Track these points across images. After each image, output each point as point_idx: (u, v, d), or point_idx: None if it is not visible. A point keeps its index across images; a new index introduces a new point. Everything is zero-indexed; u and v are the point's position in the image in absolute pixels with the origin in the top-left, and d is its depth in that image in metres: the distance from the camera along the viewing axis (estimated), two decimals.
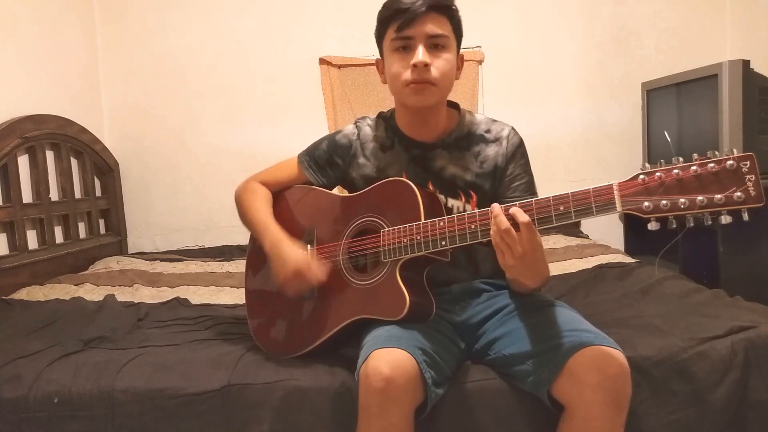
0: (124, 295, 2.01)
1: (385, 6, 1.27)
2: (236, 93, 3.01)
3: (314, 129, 2.74)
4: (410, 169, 1.34)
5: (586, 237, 2.76)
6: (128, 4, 2.98)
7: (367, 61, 2.91)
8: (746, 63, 2.23)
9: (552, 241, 2.56)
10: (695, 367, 1.22)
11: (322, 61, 2.95)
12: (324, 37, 2.98)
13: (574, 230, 2.79)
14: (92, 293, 2.03)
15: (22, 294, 2.03)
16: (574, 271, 2.03)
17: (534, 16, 2.99)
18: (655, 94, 2.74)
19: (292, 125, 2.96)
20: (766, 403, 1.24)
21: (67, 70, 2.71)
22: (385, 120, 1.41)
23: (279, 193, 1.46)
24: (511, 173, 1.32)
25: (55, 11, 2.64)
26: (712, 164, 0.90)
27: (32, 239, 2.34)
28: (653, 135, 2.77)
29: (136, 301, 1.92)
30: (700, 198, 0.91)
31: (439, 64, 1.23)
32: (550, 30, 2.99)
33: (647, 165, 0.97)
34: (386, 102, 2.88)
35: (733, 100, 2.22)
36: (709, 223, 0.93)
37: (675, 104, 2.63)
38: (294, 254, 1.28)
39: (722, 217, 0.91)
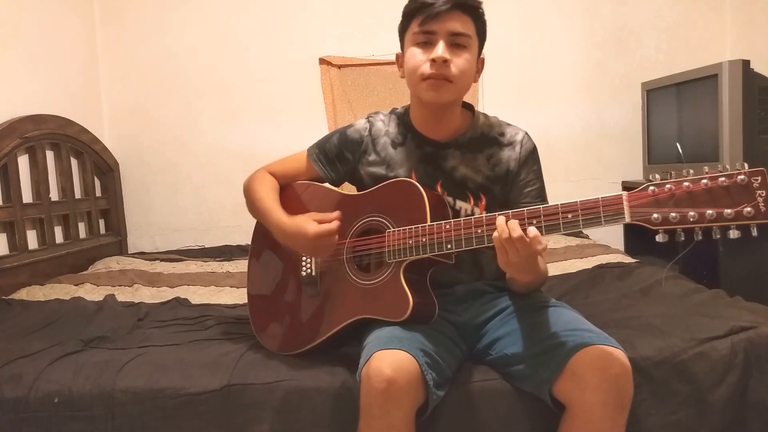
0: (124, 295, 2.01)
1: (410, 0, 1.27)
2: (236, 93, 3.00)
3: (314, 129, 2.73)
4: (420, 167, 1.33)
5: (586, 237, 2.75)
6: (128, 4, 2.98)
7: (367, 61, 2.91)
8: (746, 63, 2.23)
9: (552, 241, 2.56)
10: (695, 367, 1.22)
11: (322, 61, 2.95)
12: (324, 37, 2.97)
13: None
14: (92, 293, 2.02)
15: (22, 294, 2.02)
16: (574, 271, 2.03)
17: (534, 16, 2.98)
18: (655, 94, 2.74)
19: (291, 125, 2.96)
20: (766, 403, 1.24)
21: (67, 70, 2.71)
22: (398, 116, 1.40)
23: (286, 188, 1.44)
24: (524, 179, 1.32)
25: (55, 11, 2.64)
26: (723, 178, 0.90)
27: (32, 239, 2.34)
28: (653, 135, 2.77)
29: (136, 301, 1.91)
30: (709, 212, 0.90)
31: (458, 62, 1.23)
32: (550, 30, 2.99)
33: (657, 176, 0.96)
34: (386, 102, 2.88)
35: (733, 100, 2.21)
36: (718, 236, 0.92)
37: (675, 104, 2.63)
38: (302, 223, 1.25)
39: (731, 231, 0.90)
